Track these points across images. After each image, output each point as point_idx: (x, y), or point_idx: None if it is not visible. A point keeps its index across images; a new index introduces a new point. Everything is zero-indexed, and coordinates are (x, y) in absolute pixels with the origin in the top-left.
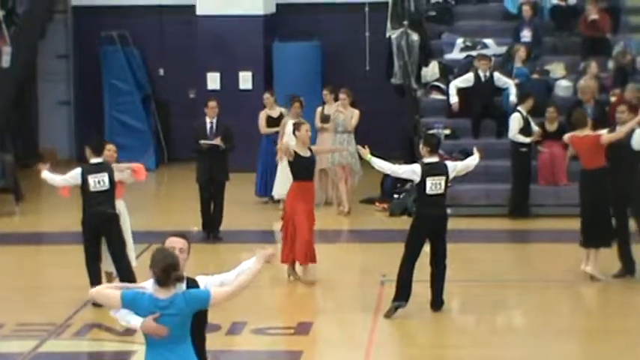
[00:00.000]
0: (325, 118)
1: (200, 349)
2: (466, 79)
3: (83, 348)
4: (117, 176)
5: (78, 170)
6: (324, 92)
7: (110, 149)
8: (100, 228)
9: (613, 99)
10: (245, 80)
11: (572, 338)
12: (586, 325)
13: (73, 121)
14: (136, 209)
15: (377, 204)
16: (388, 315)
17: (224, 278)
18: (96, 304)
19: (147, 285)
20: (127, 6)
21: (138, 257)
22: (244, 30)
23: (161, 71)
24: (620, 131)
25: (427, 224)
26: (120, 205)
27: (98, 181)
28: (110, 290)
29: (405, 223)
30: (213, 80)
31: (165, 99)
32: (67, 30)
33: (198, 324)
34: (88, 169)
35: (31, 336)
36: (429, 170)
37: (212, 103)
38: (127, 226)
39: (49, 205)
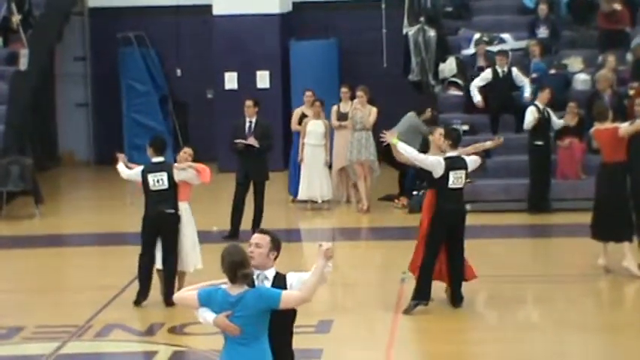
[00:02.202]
0: (342, 116)
1: (282, 344)
2: (485, 77)
3: (104, 349)
4: (178, 176)
5: (140, 168)
6: (343, 90)
7: (186, 152)
8: (158, 227)
9: (632, 92)
10: (262, 79)
11: (594, 333)
12: (607, 320)
13: (91, 123)
14: None
15: (396, 201)
16: (407, 311)
17: (306, 279)
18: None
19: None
20: (144, 7)
21: None
22: (261, 29)
23: (178, 72)
24: (638, 123)
25: (447, 219)
26: (183, 207)
27: (157, 180)
28: (188, 292)
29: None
30: (231, 80)
31: (182, 99)
32: (84, 32)
33: (286, 319)
34: (149, 168)
35: (53, 338)
36: (451, 164)
37: (248, 102)
38: (190, 229)
39: (68, 207)
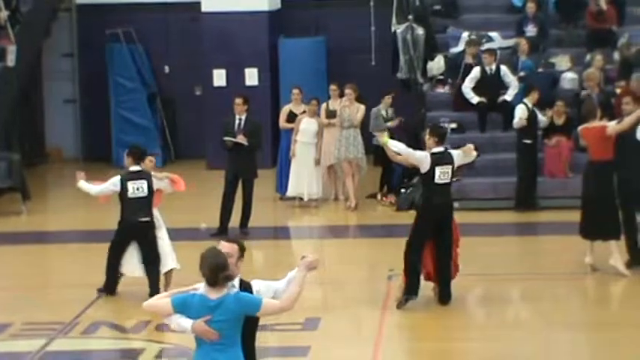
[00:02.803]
0: (331, 114)
1: (250, 349)
2: (474, 77)
3: (91, 346)
4: (156, 184)
5: (117, 177)
6: (332, 87)
7: (152, 160)
8: (135, 234)
9: (619, 91)
10: (251, 77)
11: (580, 331)
12: (594, 318)
13: (79, 120)
14: None
15: (384, 199)
16: (399, 306)
17: (277, 287)
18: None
19: (199, 286)
20: (132, 3)
21: None
22: (250, 26)
23: (166, 68)
24: (625, 122)
25: (435, 213)
26: (155, 214)
27: (137, 188)
28: (160, 300)
29: (412, 217)
30: (219, 77)
31: (171, 96)
32: (72, 28)
33: (254, 324)
34: (128, 176)
35: (40, 335)
36: (437, 159)
37: (237, 100)
38: (164, 231)
39: (56, 204)
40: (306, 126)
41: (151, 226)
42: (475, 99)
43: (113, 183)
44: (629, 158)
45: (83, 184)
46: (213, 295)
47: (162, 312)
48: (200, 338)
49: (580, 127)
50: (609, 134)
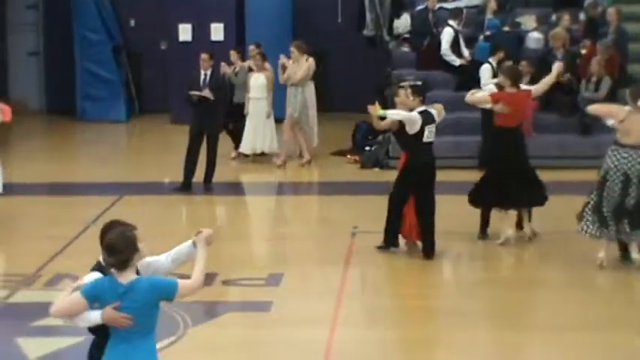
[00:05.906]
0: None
1: None
2: (449, 39)
3: (54, 298)
4: None
5: None
6: (291, 48)
7: None
8: None
9: (584, 51)
10: (217, 32)
11: (531, 289)
12: (542, 276)
13: (43, 72)
14: (106, 161)
15: (348, 156)
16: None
17: (157, 265)
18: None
19: (94, 275)
20: None
21: (109, 209)
22: None
23: (132, 22)
24: (545, 82)
25: (421, 172)
26: None
27: None
28: (67, 298)
29: (376, 175)
30: (185, 32)
31: (136, 50)
32: None
33: None
34: None
35: (2, 286)
36: (426, 119)
37: (203, 56)
38: None
39: (20, 156)
40: (253, 81)
41: None
42: (457, 61)
43: None
44: None
45: None
46: (123, 279)
47: (78, 308)
48: (114, 330)
49: (495, 93)
50: (534, 96)
